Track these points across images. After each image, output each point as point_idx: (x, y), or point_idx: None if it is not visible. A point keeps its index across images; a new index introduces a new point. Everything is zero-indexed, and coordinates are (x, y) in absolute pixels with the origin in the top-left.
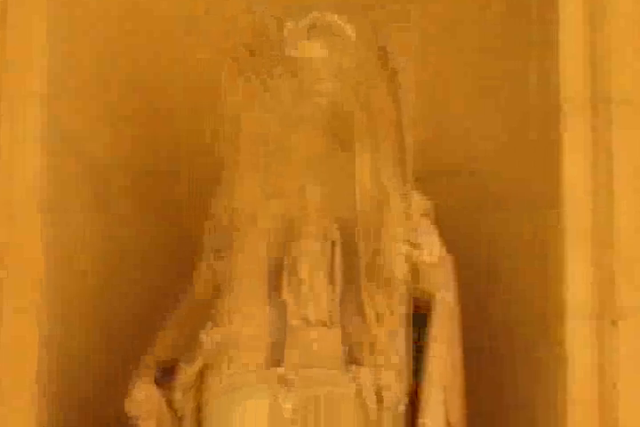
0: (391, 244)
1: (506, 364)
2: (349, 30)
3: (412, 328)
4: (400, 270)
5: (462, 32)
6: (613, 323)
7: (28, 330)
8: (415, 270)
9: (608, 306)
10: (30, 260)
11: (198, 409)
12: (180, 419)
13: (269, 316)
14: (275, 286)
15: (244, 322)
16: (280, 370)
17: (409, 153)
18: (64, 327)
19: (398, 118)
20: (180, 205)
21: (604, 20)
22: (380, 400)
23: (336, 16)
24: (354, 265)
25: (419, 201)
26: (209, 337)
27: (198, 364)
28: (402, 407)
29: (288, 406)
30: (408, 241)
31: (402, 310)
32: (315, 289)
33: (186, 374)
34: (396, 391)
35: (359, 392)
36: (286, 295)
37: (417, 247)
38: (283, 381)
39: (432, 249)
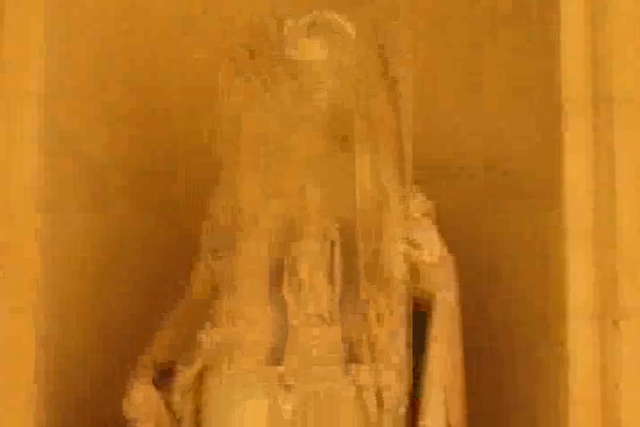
0: (391, 244)
1: (506, 364)
2: (349, 28)
3: (412, 328)
4: (399, 270)
5: (451, 28)
6: (615, 323)
7: (24, 330)
8: (415, 270)
9: (610, 306)
10: (27, 260)
11: (197, 411)
12: (179, 421)
13: (271, 316)
14: (276, 286)
15: (247, 327)
16: (280, 369)
17: (408, 161)
18: (61, 327)
19: (398, 127)
20: (177, 205)
21: (606, 20)
22: (380, 403)
23: (336, 14)
24: (353, 265)
25: (420, 201)
26: (209, 337)
27: (197, 366)
28: (402, 410)
29: (288, 407)
30: (408, 240)
31: (402, 309)
32: (315, 289)
33: (184, 376)
34: (397, 391)
35: (359, 394)
36: (287, 295)
37: (417, 247)
38: (282, 381)
39: (433, 249)
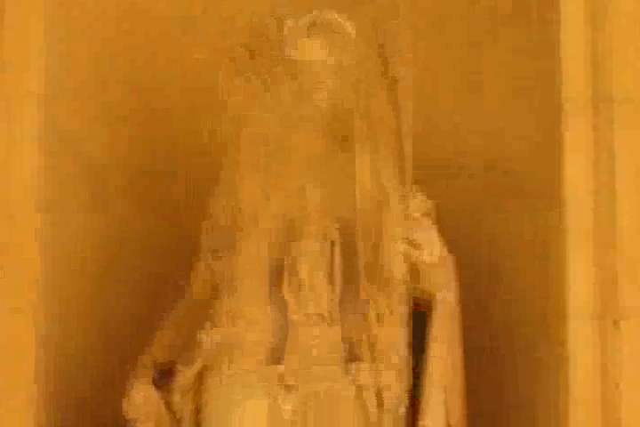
0: (391, 244)
1: (507, 364)
2: (349, 27)
3: (412, 328)
4: (399, 270)
5: (451, 27)
6: (615, 323)
7: (24, 330)
8: (416, 270)
9: (610, 306)
10: (27, 260)
11: (197, 411)
12: (179, 421)
13: (271, 316)
14: (276, 286)
15: (247, 327)
16: (280, 369)
17: (408, 161)
18: (61, 327)
19: (398, 127)
20: (177, 205)
21: (606, 20)
22: (380, 403)
23: (336, 14)
24: (353, 265)
25: (420, 201)
26: (209, 337)
27: (197, 366)
28: (402, 410)
29: (288, 407)
30: (408, 240)
31: (402, 309)
32: (315, 289)
33: (184, 376)
34: (397, 391)
35: (359, 394)
36: (287, 295)
37: (417, 247)
38: (282, 381)
39: (433, 249)
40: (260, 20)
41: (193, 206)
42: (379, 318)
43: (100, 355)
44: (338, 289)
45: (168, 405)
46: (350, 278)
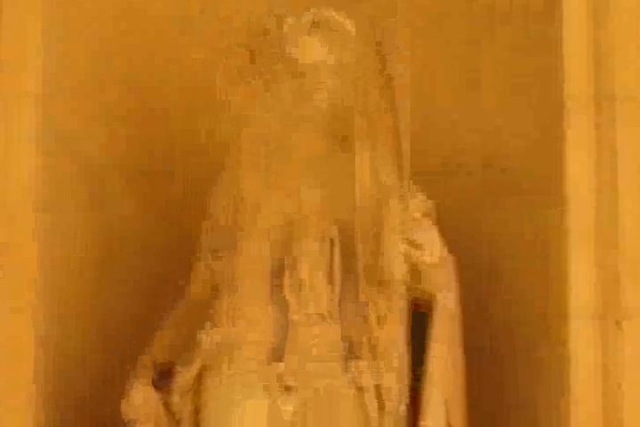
0: (390, 244)
1: (507, 364)
2: (349, 25)
3: (412, 328)
4: (399, 271)
5: (449, 25)
6: (617, 323)
7: (24, 330)
8: (416, 271)
9: (612, 306)
10: (26, 260)
11: (196, 412)
12: (178, 422)
13: (272, 316)
14: (276, 286)
15: (248, 327)
16: (280, 367)
17: (405, 159)
18: (60, 327)
19: (395, 124)
20: (175, 205)
21: (608, 17)
22: (380, 405)
23: (335, 12)
24: (353, 266)
25: (419, 201)
26: (208, 337)
27: (196, 366)
28: (403, 408)
29: (288, 407)
30: (408, 240)
31: (401, 310)
32: (315, 289)
33: (183, 377)
34: (397, 392)
35: (359, 393)
36: (289, 295)
37: (418, 248)
38: (281, 381)
39: (433, 249)
40: (258, 19)
41: (191, 206)
42: (379, 320)
43: (100, 355)
44: (337, 289)
45: (167, 406)
46: (350, 279)
